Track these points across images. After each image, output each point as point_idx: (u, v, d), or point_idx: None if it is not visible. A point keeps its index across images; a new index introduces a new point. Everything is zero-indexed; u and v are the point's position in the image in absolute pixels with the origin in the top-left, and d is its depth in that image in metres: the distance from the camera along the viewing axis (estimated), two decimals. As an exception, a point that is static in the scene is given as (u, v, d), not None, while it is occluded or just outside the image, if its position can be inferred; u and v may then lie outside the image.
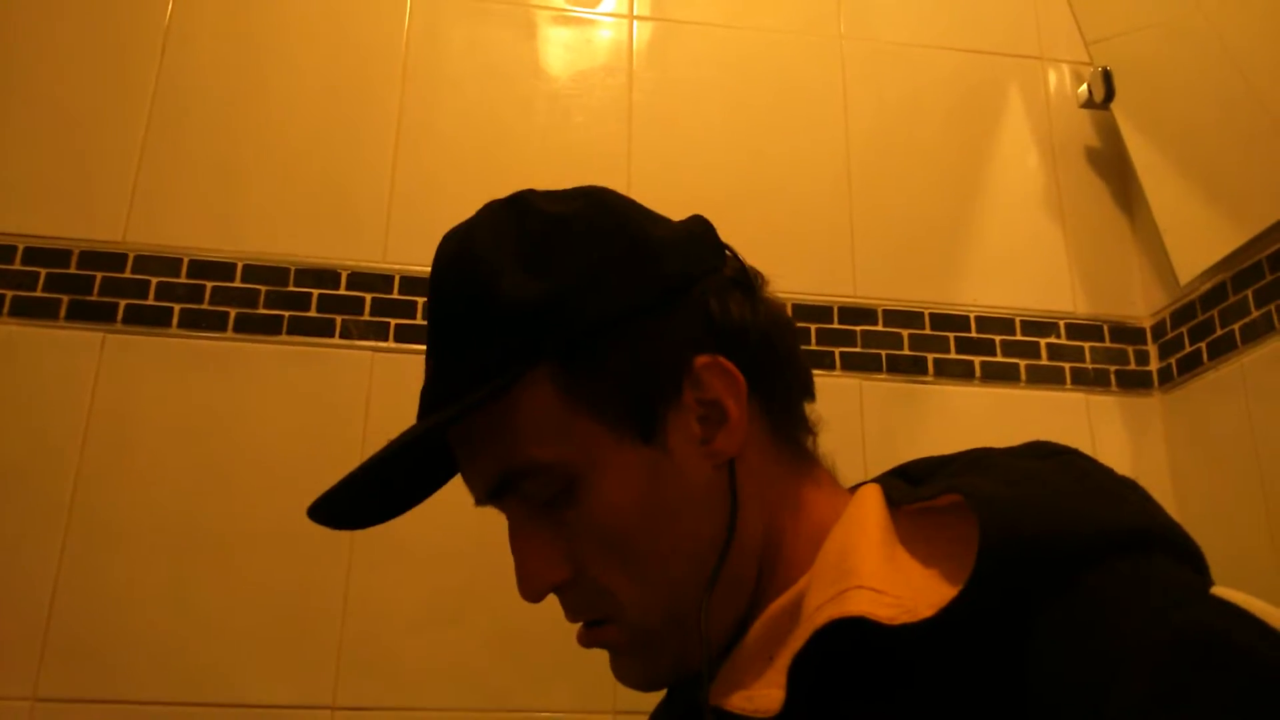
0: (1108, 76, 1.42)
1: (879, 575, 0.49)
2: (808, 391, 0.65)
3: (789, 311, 1.30)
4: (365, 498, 0.64)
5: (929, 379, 1.34)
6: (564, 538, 0.58)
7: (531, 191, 0.63)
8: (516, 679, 1.15)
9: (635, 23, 1.45)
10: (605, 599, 0.58)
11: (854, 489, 0.63)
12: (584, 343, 0.56)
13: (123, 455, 1.18)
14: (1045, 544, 0.44)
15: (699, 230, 0.64)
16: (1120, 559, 0.44)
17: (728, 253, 0.65)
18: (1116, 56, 1.42)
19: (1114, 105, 1.42)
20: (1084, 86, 1.46)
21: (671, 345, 0.57)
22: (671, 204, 1.39)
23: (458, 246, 0.61)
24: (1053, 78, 1.52)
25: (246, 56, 1.35)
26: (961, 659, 0.45)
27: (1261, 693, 0.35)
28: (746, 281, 0.62)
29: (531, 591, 0.58)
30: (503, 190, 1.38)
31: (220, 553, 1.16)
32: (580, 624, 0.61)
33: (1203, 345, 1.29)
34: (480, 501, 0.62)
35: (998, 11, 1.54)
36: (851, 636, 0.47)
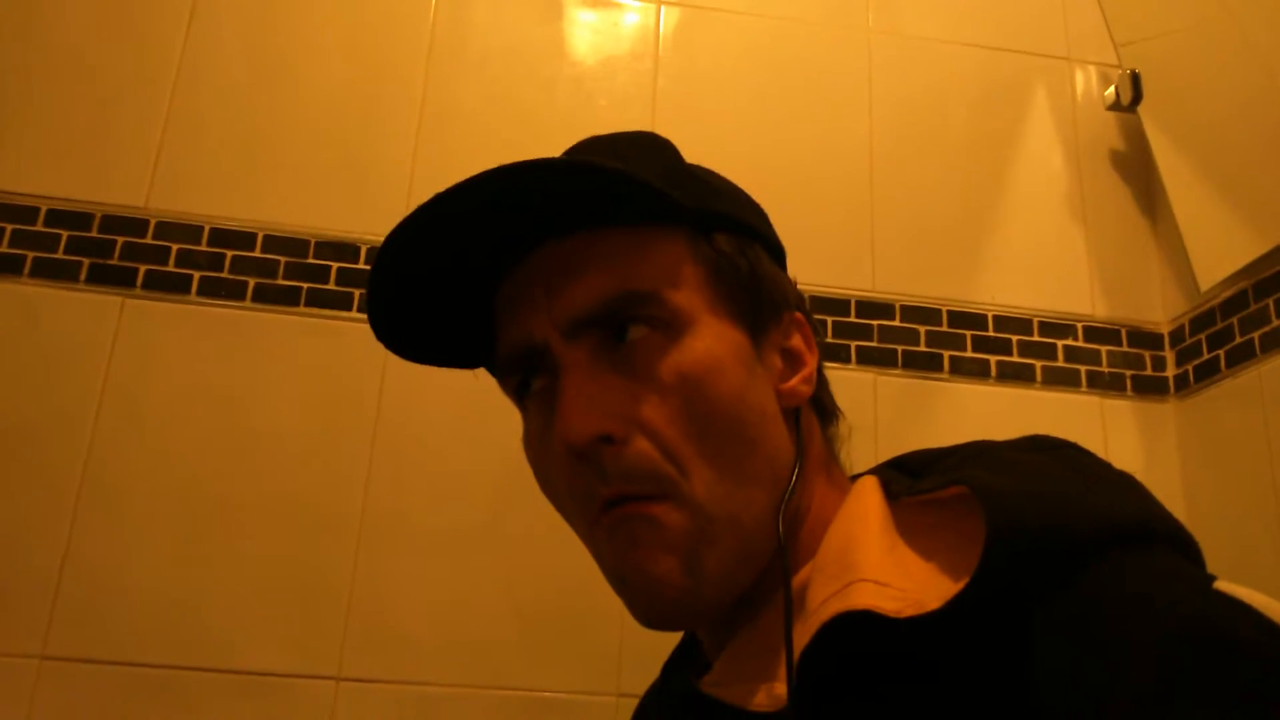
0: (1136, 79, 1.41)
1: (882, 568, 0.49)
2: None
3: (805, 305, 1.31)
4: (414, 293, 0.59)
5: (944, 376, 1.33)
6: (634, 395, 0.53)
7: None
8: (522, 657, 1.15)
9: (662, 8, 1.45)
10: (671, 467, 0.52)
11: (852, 479, 0.63)
12: (732, 232, 0.59)
13: (137, 420, 1.18)
14: (1051, 537, 0.44)
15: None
16: (1123, 552, 0.44)
17: None
18: (1145, 60, 1.41)
19: (1141, 109, 1.41)
20: (1111, 89, 1.45)
21: (783, 285, 0.62)
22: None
23: (636, 133, 0.64)
24: (1080, 79, 1.51)
25: (272, 28, 1.35)
26: (965, 652, 0.45)
27: (1264, 685, 0.35)
28: (779, 252, 0.67)
29: (576, 436, 0.51)
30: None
31: (230, 521, 1.16)
32: (614, 501, 0.54)
33: (1221, 353, 1.28)
34: (537, 339, 0.55)
35: (1026, 11, 1.53)
36: (855, 630, 0.47)
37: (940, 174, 1.43)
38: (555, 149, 1.32)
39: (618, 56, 1.41)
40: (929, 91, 1.46)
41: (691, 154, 1.46)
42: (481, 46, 1.38)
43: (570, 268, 0.55)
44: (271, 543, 1.16)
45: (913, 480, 0.56)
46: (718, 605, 0.55)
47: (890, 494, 0.56)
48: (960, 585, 0.44)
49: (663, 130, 1.35)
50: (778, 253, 0.65)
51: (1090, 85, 1.51)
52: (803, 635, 0.49)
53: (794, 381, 0.59)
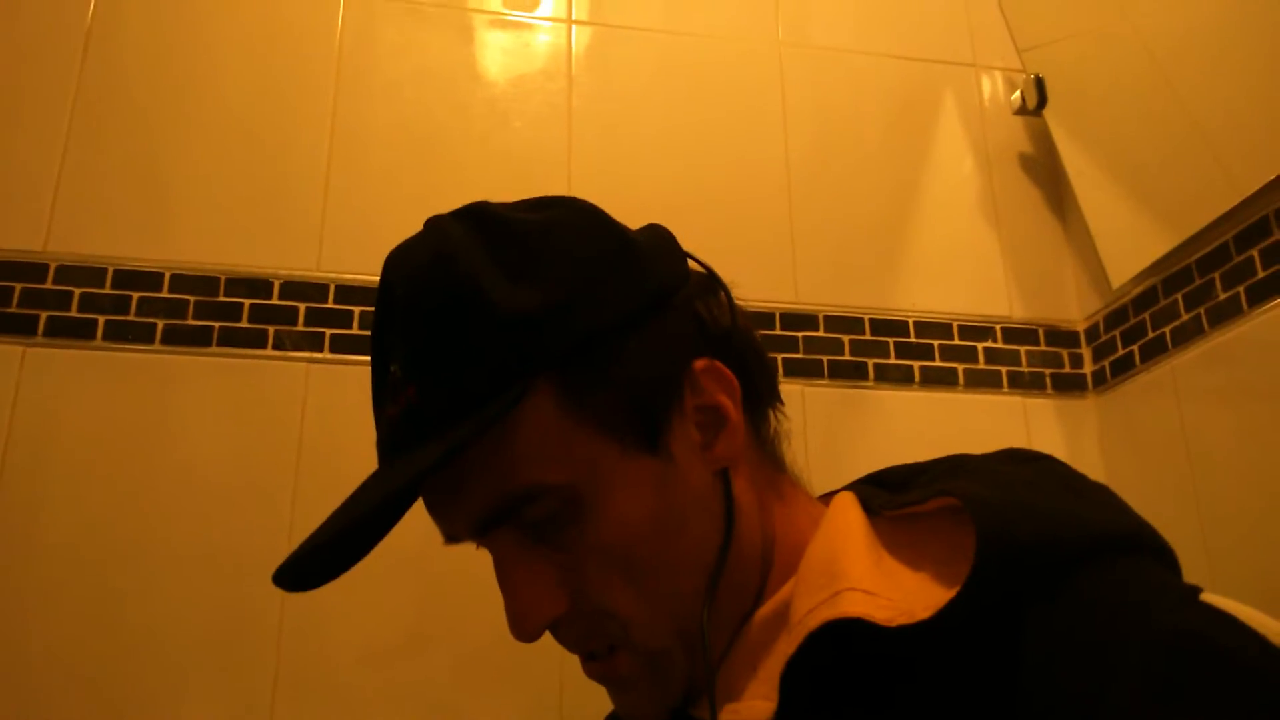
0: (1040, 84, 1.44)
1: (870, 578, 0.48)
2: (776, 395, 0.65)
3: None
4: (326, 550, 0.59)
5: (869, 384, 1.34)
6: (559, 565, 0.54)
7: (486, 203, 0.59)
8: (460, 698, 1.12)
9: (574, 27, 1.44)
10: (610, 623, 0.55)
11: (825, 497, 0.63)
12: (583, 353, 0.53)
13: (45, 473, 1.13)
14: (1041, 547, 0.44)
15: (665, 237, 0.63)
16: (1110, 562, 0.44)
17: (689, 257, 0.64)
18: (1048, 64, 1.45)
19: (1046, 112, 1.44)
20: (1017, 94, 1.48)
21: (670, 350, 0.56)
22: (612, 208, 1.37)
23: (428, 260, 0.56)
24: (986, 85, 1.54)
25: (173, 58, 1.31)
26: (955, 662, 0.45)
27: (1251, 697, 0.36)
28: (720, 285, 0.62)
29: (530, 628, 0.54)
30: (441, 196, 1.36)
31: (148, 574, 1.12)
32: (581, 660, 0.58)
33: (1135, 348, 1.32)
34: (460, 538, 0.57)
35: (932, 19, 1.56)
36: (842, 641, 0.46)
37: (856, 183, 1.44)
38: (471, 171, 1.31)
39: (530, 76, 1.40)
40: (841, 102, 1.48)
41: (609, 171, 1.46)
42: (391, 70, 1.36)
43: (448, 487, 0.55)
44: (193, 594, 1.12)
45: (892, 495, 0.56)
46: (702, 675, 0.56)
47: (869, 509, 0.56)
48: (950, 595, 0.44)
49: (579, 149, 1.36)
50: (662, 293, 0.57)
51: (997, 91, 1.54)
52: (788, 645, 0.48)
53: (718, 447, 0.57)
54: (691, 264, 0.63)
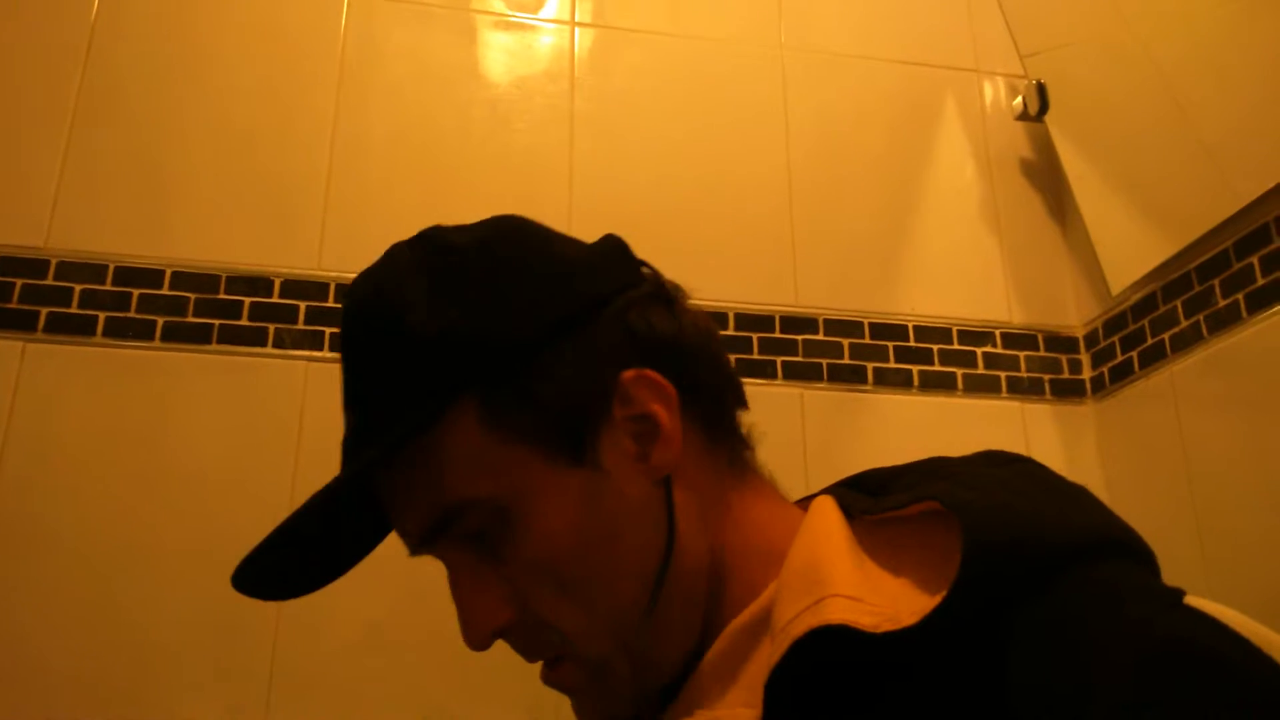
0: (1042, 90, 1.44)
1: (853, 584, 0.48)
2: (740, 401, 0.64)
3: (731, 321, 1.32)
4: (295, 561, 0.62)
5: (868, 388, 1.35)
6: (504, 577, 0.55)
7: (438, 227, 0.61)
8: (452, 699, 1.13)
9: (577, 29, 1.44)
10: (552, 634, 0.55)
11: (803, 501, 0.62)
12: (504, 370, 0.54)
13: (43, 469, 1.13)
14: (1025, 550, 0.44)
15: (612, 248, 0.63)
16: (1094, 564, 0.44)
17: (645, 269, 0.63)
18: (1050, 70, 1.45)
19: (1048, 118, 1.44)
20: (1019, 99, 1.49)
21: (595, 363, 0.56)
22: (613, 211, 1.39)
23: (366, 287, 0.59)
24: (988, 90, 1.54)
25: (176, 56, 1.31)
26: (941, 668, 0.44)
27: (1234, 700, 0.36)
28: (666, 294, 0.62)
29: (477, 638, 0.56)
30: (442, 196, 1.37)
31: (146, 569, 1.12)
32: (542, 665, 0.59)
33: (1134, 354, 1.32)
34: (414, 551, 0.59)
35: (935, 24, 1.56)
36: (827, 649, 0.46)
37: (857, 187, 1.44)
38: (472, 172, 1.32)
39: (533, 78, 1.40)
40: (843, 106, 1.48)
41: (610, 173, 1.46)
42: (393, 71, 1.36)
43: (395, 504, 0.58)
44: (190, 590, 1.12)
45: (872, 498, 0.56)
46: (660, 686, 0.57)
47: (848, 513, 0.55)
48: (936, 600, 0.44)
49: (580, 150, 1.36)
50: (591, 304, 0.57)
51: (999, 96, 1.54)
52: (772, 653, 0.48)
53: (654, 456, 0.56)
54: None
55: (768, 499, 0.62)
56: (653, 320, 0.59)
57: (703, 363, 0.60)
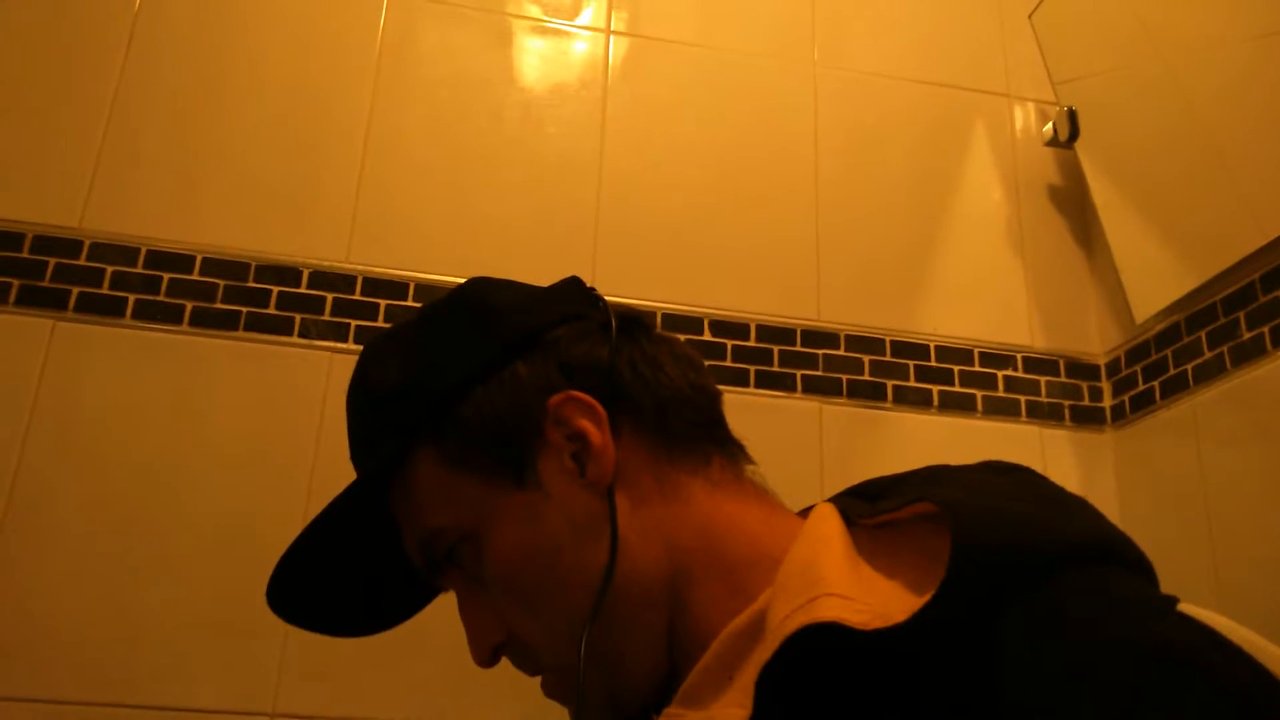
0: (1073, 116, 1.45)
1: (846, 584, 0.48)
2: (706, 413, 0.65)
3: (753, 332, 1.32)
4: (339, 601, 0.70)
5: (888, 405, 1.35)
6: (489, 605, 0.61)
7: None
8: (461, 694, 1.13)
9: (612, 38, 1.45)
10: (529, 650, 0.61)
11: (805, 511, 0.63)
12: (442, 411, 0.61)
13: (67, 447, 1.14)
14: (1017, 552, 0.44)
15: (562, 288, 0.69)
16: (1086, 570, 0.44)
17: (600, 303, 0.67)
18: (1082, 98, 1.45)
19: (1078, 145, 1.44)
20: (1049, 125, 1.49)
21: (524, 392, 0.61)
22: (640, 219, 1.39)
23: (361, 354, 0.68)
24: (1019, 115, 1.54)
25: (216, 47, 1.33)
26: (932, 668, 0.44)
27: (1224, 708, 0.36)
28: (608, 322, 0.65)
29: (480, 656, 0.62)
30: (472, 197, 1.38)
31: (163, 552, 1.13)
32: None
33: (1156, 384, 1.31)
34: (426, 580, 0.66)
35: (968, 48, 1.56)
36: (819, 648, 0.47)
37: (884, 205, 1.45)
38: (503, 174, 1.33)
39: (567, 84, 1.42)
40: (873, 125, 1.49)
41: (639, 181, 1.47)
42: (429, 72, 1.38)
43: (400, 531, 0.65)
44: (206, 573, 1.13)
45: (871, 504, 0.56)
46: (638, 692, 0.60)
47: (848, 519, 0.56)
48: (925, 598, 0.44)
49: (610, 157, 1.37)
50: (520, 341, 0.63)
51: (1029, 121, 1.54)
52: (764, 652, 0.48)
53: (590, 472, 0.60)
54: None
55: (757, 506, 0.63)
56: (586, 347, 0.63)
57: (649, 381, 0.64)
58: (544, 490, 0.59)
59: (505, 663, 0.63)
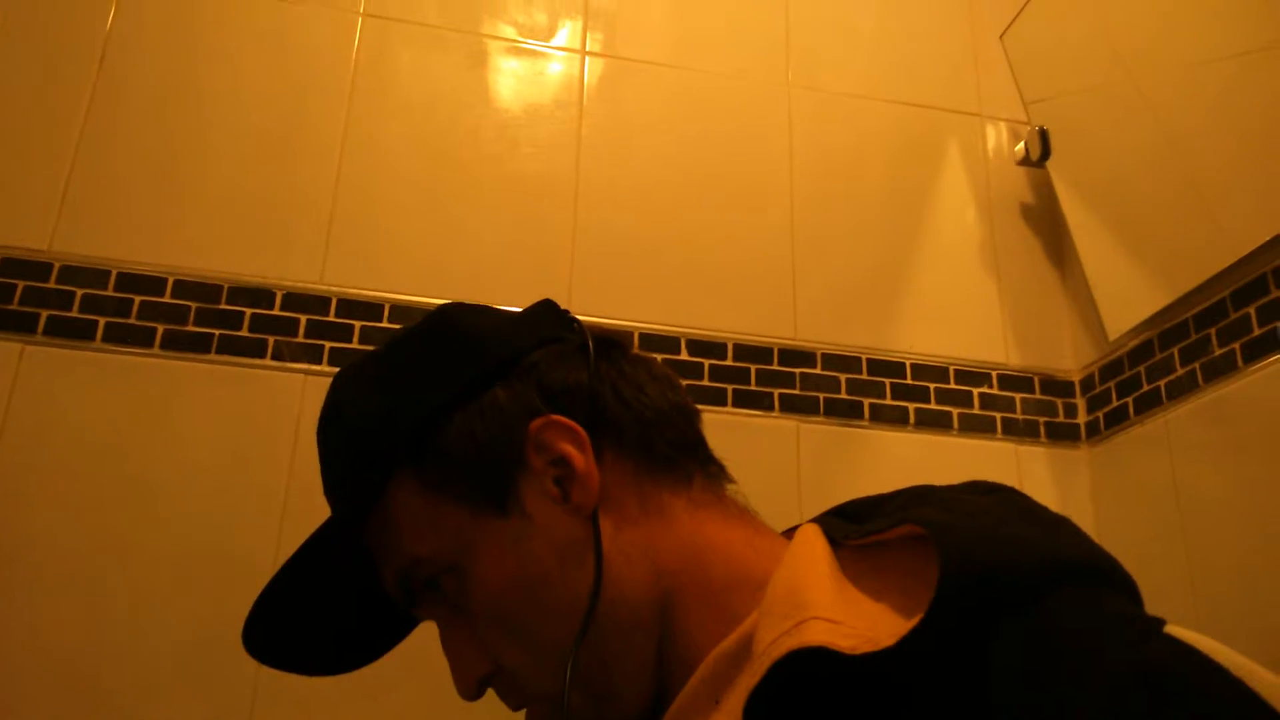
0: (1044, 136, 1.46)
1: (833, 607, 0.48)
2: (685, 434, 0.65)
3: (730, 351, 1.32)
4: (315, 639, 0.68)
5: (865, 423, 1.35)
6: (474, 635, 0.60)
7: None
8: (438, 715, 1.11)
9: (587, 58, 1.46)
10: (517, 680, 0.60)
11: (790, 531, 0.62)
12: (424, 438, 0.60)
13: (37, 472, 1.13)
14: (1003, 573, 0.44)
15: (536, 312, 0.68)
16: (1073, 590, 0.44)
17: (576, 325, 0.67)
18: (1053, 117, 1.47)
19: (1049, 164, 1.46)
20: (1021, 144, 1.50)
21: (504, 417, 0.60)
22: (616, 238, 1.39)
23: (330, 388, 0.67)
24: (991, 134, 1.56)
25: (188, 68, 1.32)
26: (919, 691, 0.44)
27: None
28: (586, 345, 0.65)
29: (463, 689, 0.60)
30: (447, 217, 1.37)
31: (136, 576, 1.11)
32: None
33: (1129, 400, 1.32)
34: (404, 611, 0.65)
35: (940, 69, 1.58)
36: (807, 672, 0.46)
37: (859, 224, 1.46)
38: (478, 195, 1.33)
39: (542, 105, 1.42)
40: (847, 145, 1.50)
41: (615, 201, 1.47)
42: (404, 92, 1.38)
43: (376, 563, 0.63)
44: (179, 599, 1.11)
45: (857, 525, 0.56)
46: (627, 718, 0.59)
47: (833, 540, 0.55)
48: (914, 622, 0.44)
49: (586, 177, 1.37)
50: (497, 366, 0.62)
51: (1001, 141, 1.56)
52: (751, 677, 0.48)
53: (573, 496, 0.59)
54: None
55: (740, 526, 0.62)
56: (565, 370, 0.63)
57: (629, 402, 0.63)
58: (527, 516, 0.59)
59: (488, 693, 0.62)
